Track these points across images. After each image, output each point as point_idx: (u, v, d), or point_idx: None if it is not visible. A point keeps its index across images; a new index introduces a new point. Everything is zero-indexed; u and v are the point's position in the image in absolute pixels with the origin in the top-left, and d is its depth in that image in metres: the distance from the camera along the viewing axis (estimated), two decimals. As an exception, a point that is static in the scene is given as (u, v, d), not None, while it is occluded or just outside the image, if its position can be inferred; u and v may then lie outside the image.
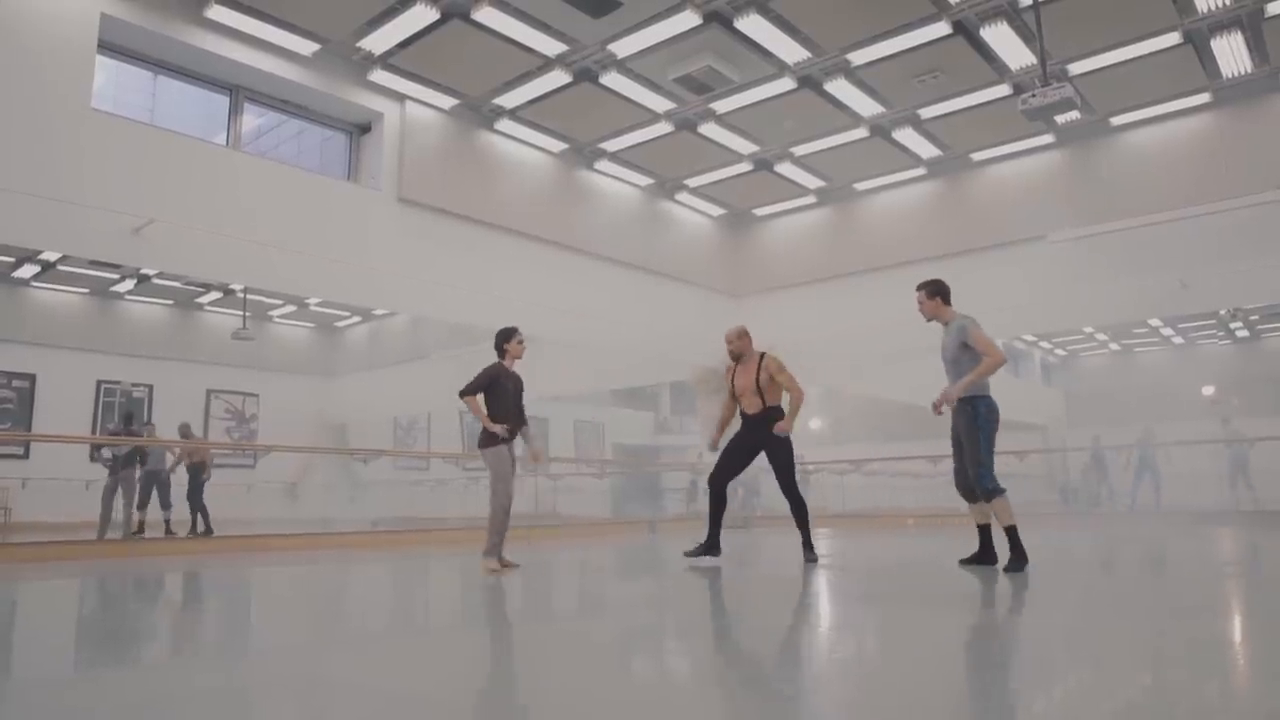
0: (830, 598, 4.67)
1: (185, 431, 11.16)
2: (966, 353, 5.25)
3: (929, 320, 5.62)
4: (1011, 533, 5.15)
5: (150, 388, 16.18)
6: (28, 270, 14.42)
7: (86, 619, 4.59)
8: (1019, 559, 5.13)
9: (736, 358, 6.61)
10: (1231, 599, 4.31)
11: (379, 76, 11.15)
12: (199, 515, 10.52)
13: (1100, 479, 15.61)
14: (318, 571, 7.09)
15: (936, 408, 5.31)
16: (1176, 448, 14.05)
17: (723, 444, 6.65)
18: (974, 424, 5.22)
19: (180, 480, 10.73)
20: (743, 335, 6.65)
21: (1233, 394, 17.23)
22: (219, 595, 5.81)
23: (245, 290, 15.10)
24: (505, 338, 6.43)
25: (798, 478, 6.44)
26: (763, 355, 6.51)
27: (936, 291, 5.55)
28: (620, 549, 9.44)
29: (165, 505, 10.30)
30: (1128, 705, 2.20)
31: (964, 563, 5.46)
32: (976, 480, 5.21)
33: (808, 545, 6.26)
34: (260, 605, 5.28)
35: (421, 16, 9.80)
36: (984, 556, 5.39)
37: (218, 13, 9.70)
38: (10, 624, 4.44)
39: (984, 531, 5.41)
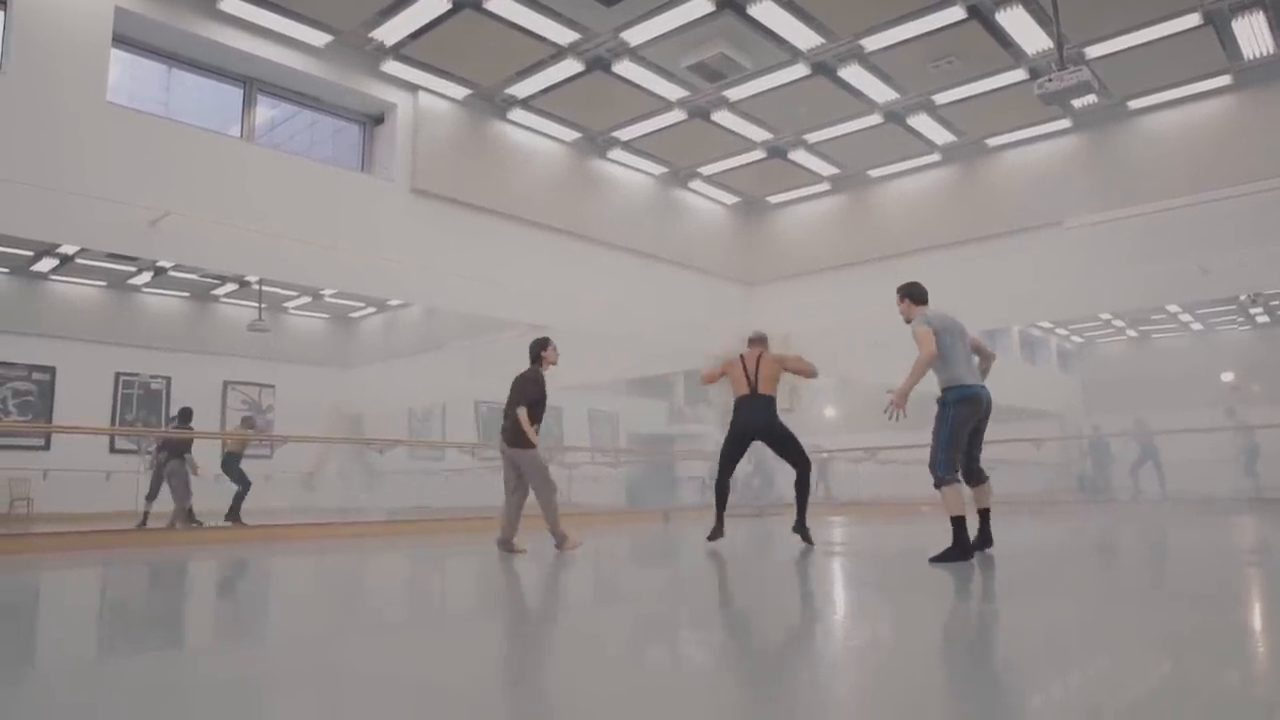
0: (843, 585, 4.67)
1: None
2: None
3: (909, 323, 5.57)
4: (957, 524, 5.09)
5: (168, 379, 16.29)
6: (46, 264, 14.52)
7: (107, 607, 4.65)
8: (955, 551, 5.03)
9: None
10: (1245, 587, 4.28)
11: (391, 67, 11.16)
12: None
13: (1103, 467, 15.46)
14: (335, 561, 7.14)
15: (892, 412, 5.20)
16: (1186, 435, 13.91)
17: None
18: (941, 413, 5.25)
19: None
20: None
21: (1253, 380, 17.01)
22: (237, 584, 5.87)
23: (260, 282, 15.16)
24: (543, 345, 6.74)
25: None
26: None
27: (906, 294, 5.60)
28: (635, 538, 9.47)
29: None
30: (1145, 693, 2.19)
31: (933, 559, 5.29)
32: (930, 465, 5.22)
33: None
34: (278, 594, 5.32)
35: (433, 6, 9.80)
36: (982, 542, 5.39)
37: (231, 5, 9.73)
38: (34, 612, 4.50)
39: (983, 516, 5.45)
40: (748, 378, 6.79)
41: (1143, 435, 13.99)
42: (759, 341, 7.04)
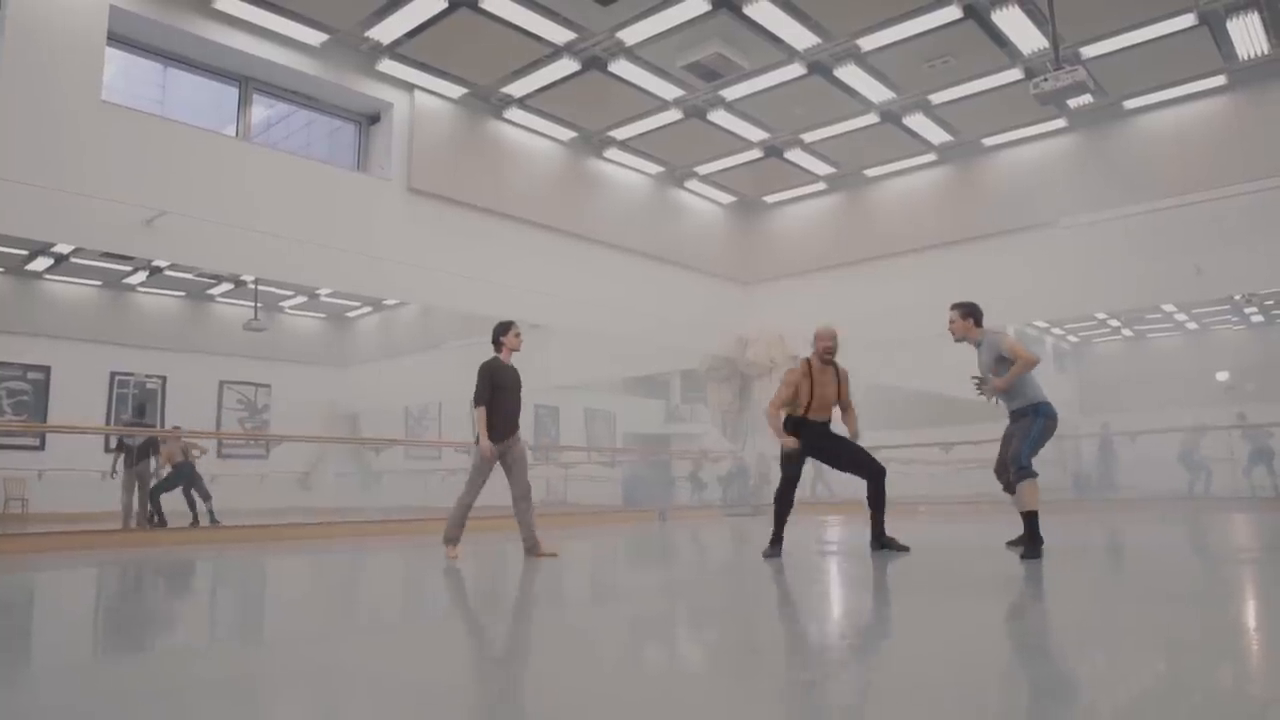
0: (842, 584, 4.67)
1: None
2: (1004, 364, 5.43)
3: (958, 340, 5.76)
4: (1030, 519, 5.25)
5: (164, 379, 16.27)
6: (41, 263, 14.49)
7: (102, 607, 4.64)
8: (1034, 546, 5.21)
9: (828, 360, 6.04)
10: (1237, 584, 4.29)
11: (387, 66, 11.14)
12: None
13: (1110, 465, 15.44)
14: (331, 561, 7.13)
15: (988, 393, 5.47)
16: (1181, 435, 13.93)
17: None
18: (1034, 419, 5.40)
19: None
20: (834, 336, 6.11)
21: (1248, 380, 17.07)
22: (231, 584, 5.86)
23: (256, 281, 15.14)
24: (503, 330, 6.42)
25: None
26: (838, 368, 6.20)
27: (969, 313, 5.70)
28: (630, 537, 9.47)
29: (205, 497, 10.42)
30: (1141, 692, 2.20)
31: (1010, 544, 5.61)
32: (1014, 458, 5.36)
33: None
34: (272, 594, 5.31)
35: (429, 5, 9.78)
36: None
37: (226, 3, 9.70)
38: (29, 613, 4.49)
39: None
40: None
41: (1184, 447, 13.83)
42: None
